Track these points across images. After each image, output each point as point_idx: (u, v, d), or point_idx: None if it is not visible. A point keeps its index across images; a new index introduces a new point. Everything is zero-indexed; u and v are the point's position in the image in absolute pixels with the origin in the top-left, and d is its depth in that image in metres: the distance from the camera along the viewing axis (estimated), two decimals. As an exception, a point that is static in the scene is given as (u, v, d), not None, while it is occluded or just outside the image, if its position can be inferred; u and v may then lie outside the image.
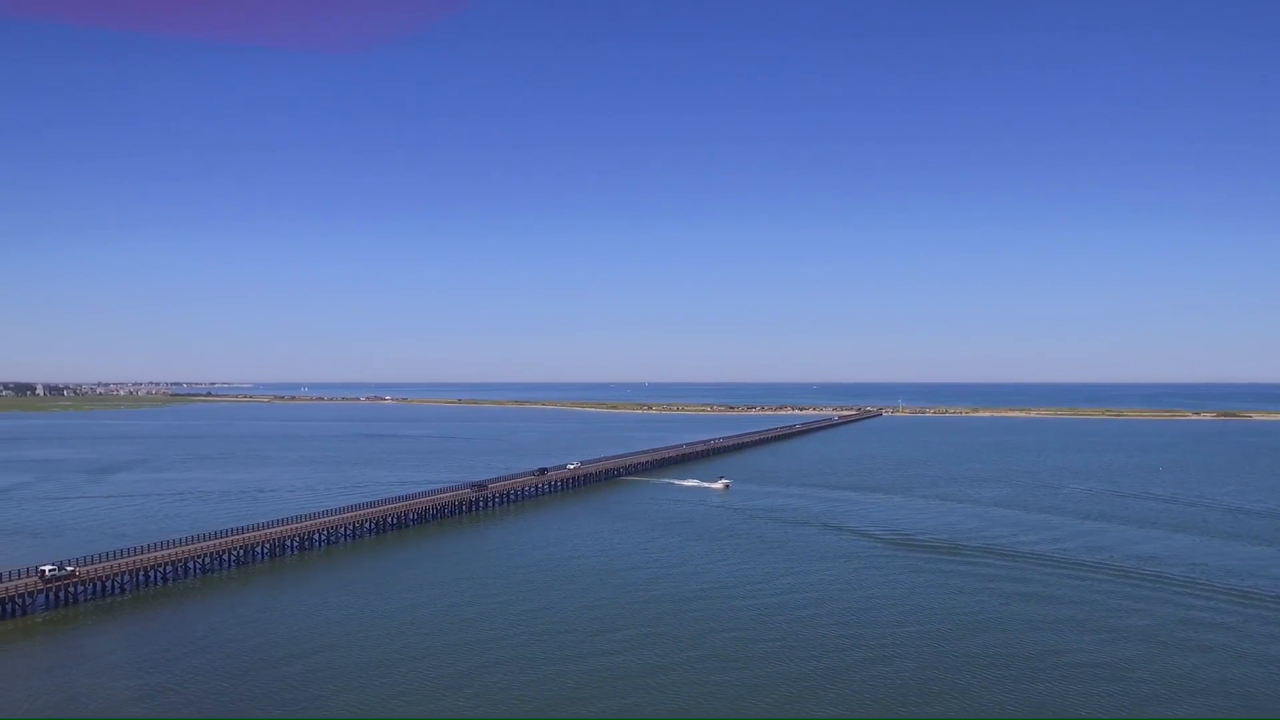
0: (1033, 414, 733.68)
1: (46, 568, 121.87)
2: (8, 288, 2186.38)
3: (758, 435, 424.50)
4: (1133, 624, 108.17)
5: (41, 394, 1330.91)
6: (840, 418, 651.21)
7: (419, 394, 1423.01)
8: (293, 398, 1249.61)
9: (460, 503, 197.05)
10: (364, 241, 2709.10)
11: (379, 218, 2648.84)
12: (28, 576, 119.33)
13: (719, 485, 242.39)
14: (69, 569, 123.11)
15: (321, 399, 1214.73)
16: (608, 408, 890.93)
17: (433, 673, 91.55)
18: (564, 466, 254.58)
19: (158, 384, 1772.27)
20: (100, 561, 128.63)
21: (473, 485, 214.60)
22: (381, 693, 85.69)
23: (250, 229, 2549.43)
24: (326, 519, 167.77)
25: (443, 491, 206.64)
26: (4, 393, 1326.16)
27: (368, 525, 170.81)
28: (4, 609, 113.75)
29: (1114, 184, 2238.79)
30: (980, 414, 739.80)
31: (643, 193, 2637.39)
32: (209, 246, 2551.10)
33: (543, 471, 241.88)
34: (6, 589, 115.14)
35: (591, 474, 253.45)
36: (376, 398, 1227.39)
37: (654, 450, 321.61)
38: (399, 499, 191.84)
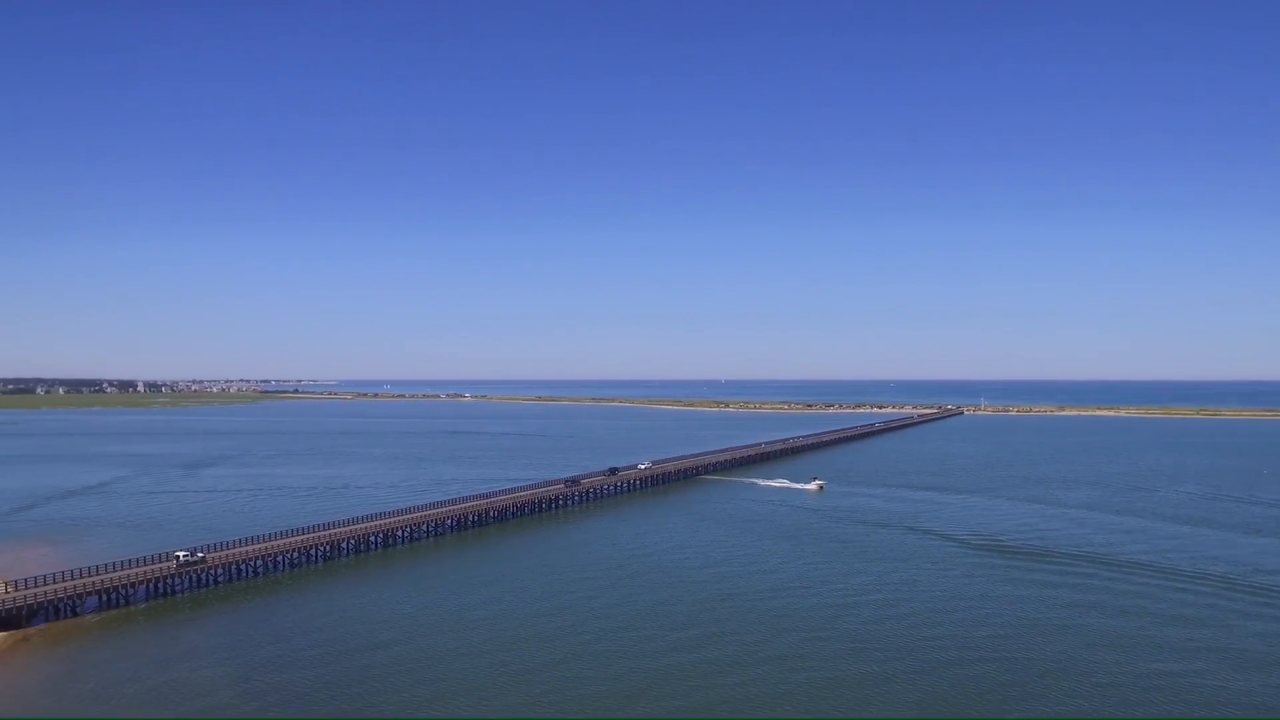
0: (1122, 413, 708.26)
1: (181, 553, 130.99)
2: (115, 294, 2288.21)
3: (838, 434, 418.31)
4: (1250, 646, 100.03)
5: (142, 391, 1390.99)
6: (920, 416, 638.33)
7: (497, 391, 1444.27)
8: (375, 395, 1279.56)
9: (541, 500, 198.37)
10: (449, 242, 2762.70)
11: (457, 216, 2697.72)
12: (164, 561, 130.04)
13: (812, 486, 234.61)
14: (199, 555, 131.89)
15: (402, 396, 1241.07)
16: (685, 405, 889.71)
17: (506, 666, 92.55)
18: (635, 466, 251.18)
19: (248, 381, 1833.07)
20: (228, 549, 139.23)
21: (566, 481, 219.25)
22: (454, 686, 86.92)
23: (335, 229, 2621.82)
24: (409, 516, 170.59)
25: (529, 488, 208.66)
26: (109, 389, 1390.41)
27: (449, 522, 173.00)
28: (147, 591, 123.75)
29: (1207, 181, 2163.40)
30: (1066, 413, 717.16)
31: (718, 188, 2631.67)
32: (297, 247, 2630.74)
33: (613, 471, 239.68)
34: (146, 573, 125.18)
35: (671, 472, 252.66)
36: (456, 395, 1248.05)
37: (734, 449, 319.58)
38: (480, 496, 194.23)
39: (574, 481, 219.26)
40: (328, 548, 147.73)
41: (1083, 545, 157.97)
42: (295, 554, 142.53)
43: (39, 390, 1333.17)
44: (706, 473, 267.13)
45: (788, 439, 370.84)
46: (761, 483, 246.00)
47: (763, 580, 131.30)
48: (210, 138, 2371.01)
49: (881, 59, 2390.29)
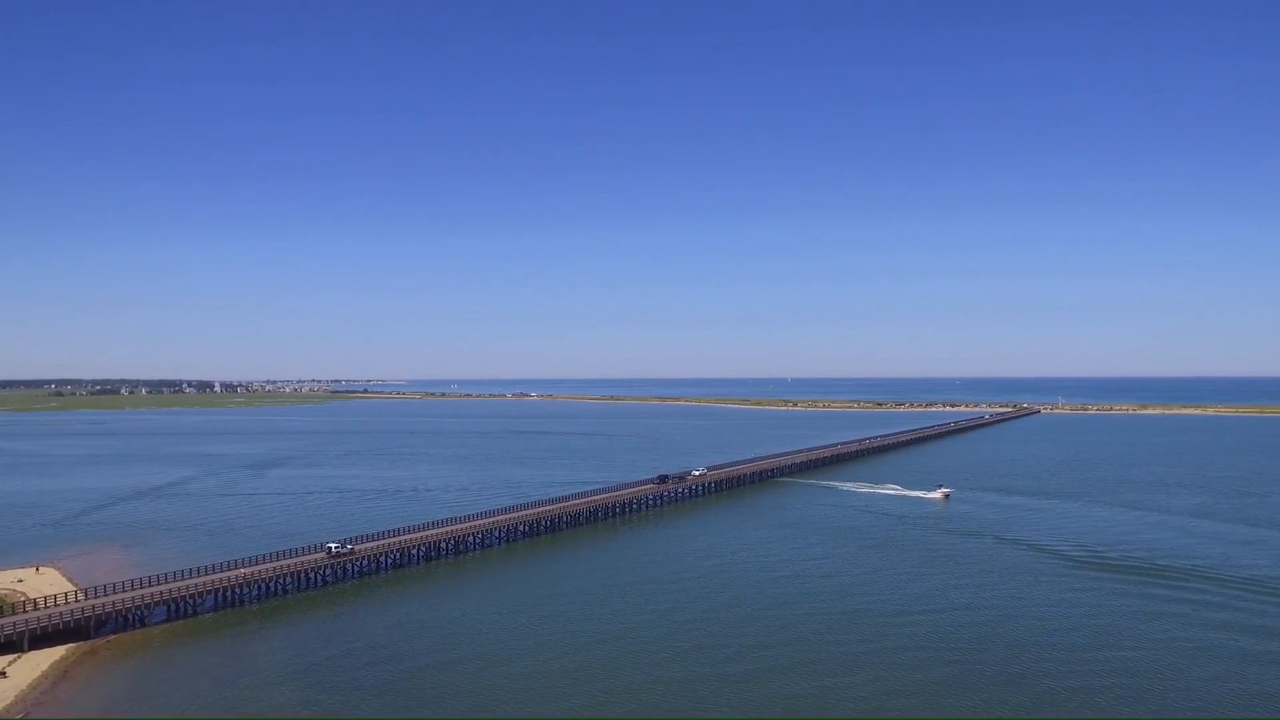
0: (1209, 411, 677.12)
1: (333, 545, 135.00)
2: (195, 298, 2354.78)
3: (914, 434, 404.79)
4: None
5: (219, 391, 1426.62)
6: (993, 415, 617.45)
7: (562, 390, 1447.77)
8: (442, 394, 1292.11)
9: (614, 504, 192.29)
10: (513, 241, 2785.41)
11: (519, 216, 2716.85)
12: (316, 553, 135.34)
13: (937, 495, 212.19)
14: (349, 547, 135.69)
15: (469, 396, 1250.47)
16: (752, 404, 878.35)
17: (582, 689, 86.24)
18: (689, 473, 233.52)
19: (319, 381, 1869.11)
20: (370, 541, 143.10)
21: (657, 479, 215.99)
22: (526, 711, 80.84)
23: (405, 230, 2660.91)
24: (480, 521, 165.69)
25: (601, 492, 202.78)
26: (188, 390, 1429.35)
27: (521, 528, 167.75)
28: (298, 582, 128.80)
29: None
30: (1149, 411, 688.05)
31: (777, 185, 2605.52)
32: (369, 248, 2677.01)
33: (663, 479, 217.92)
34: (298, 564, 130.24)
35: (746, 474, 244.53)
36: (522, 394, 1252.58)
37: (810, 450, 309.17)
38: (553, 501, 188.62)
39: (664, 479, 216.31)
40: (397, 554, 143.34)
41: (1195, 558, 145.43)
42: (365, 562, 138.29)
43: (123, 391, 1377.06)
44: (783, 475, 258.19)
45: (864, 439, 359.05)
46: (841, 485, 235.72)
47: (851, 596, 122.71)
48: (285, 139, 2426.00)
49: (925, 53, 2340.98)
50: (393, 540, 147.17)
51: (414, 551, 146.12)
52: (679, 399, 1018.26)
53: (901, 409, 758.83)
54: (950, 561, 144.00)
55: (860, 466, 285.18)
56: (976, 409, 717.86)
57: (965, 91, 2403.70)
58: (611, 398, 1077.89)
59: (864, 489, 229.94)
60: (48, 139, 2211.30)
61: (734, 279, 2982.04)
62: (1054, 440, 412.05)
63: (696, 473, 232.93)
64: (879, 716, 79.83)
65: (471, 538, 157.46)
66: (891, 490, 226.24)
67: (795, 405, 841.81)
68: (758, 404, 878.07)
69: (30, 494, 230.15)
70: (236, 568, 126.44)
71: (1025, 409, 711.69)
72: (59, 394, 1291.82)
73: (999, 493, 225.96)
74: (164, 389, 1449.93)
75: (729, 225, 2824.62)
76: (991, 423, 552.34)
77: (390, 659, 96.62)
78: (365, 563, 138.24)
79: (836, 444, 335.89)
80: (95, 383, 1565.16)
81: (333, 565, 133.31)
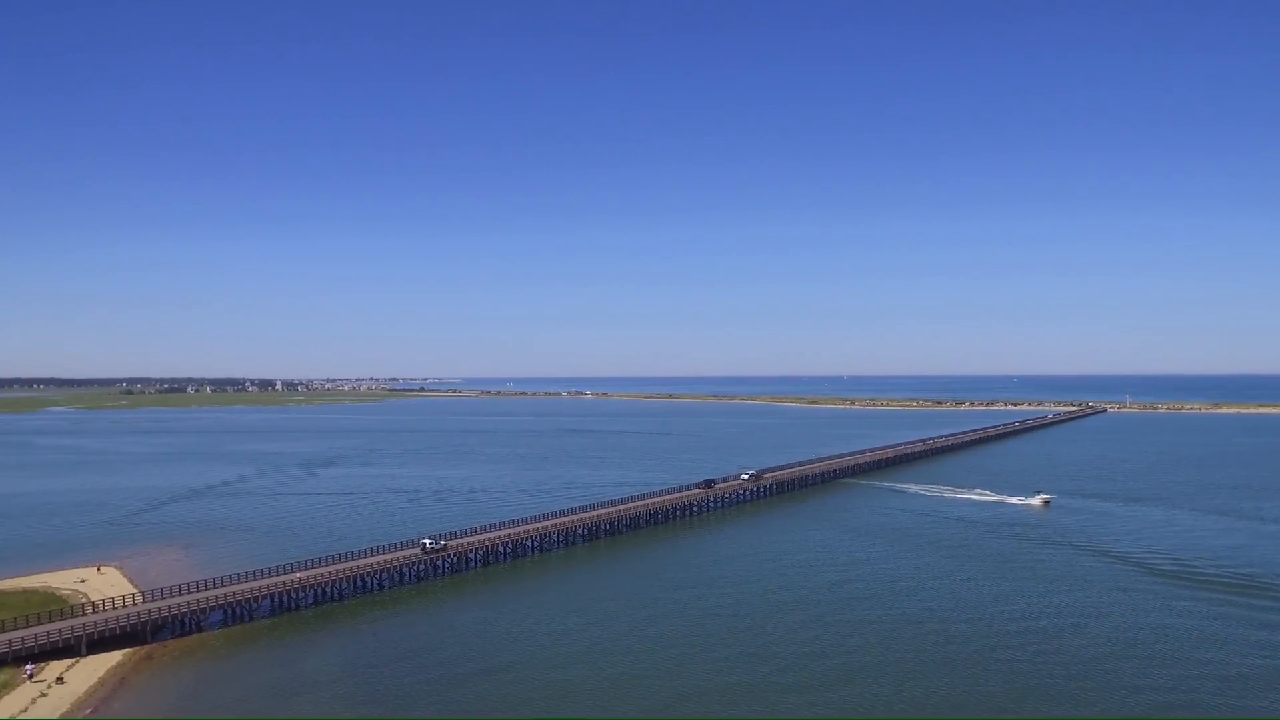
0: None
1: (426, 541, 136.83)
2: (258, 298, 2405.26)
3: (978, 434, 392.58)
4: None
5: (280, 389, 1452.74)
6: (1057, 414, 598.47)
7: (617, 388, 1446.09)
8: (498, 393, 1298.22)
9: (674, 507, 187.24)
10: (567, 240, 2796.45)
11: (570, 214, 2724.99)
12: (411, 548, 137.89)
13: (1036, 501, 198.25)
14: (442, 543, 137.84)
15: (524, 394, 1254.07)
16: (807, 402, 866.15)
17: (635, 699, 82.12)
18: (737, 476, 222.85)
19: (377, 380, 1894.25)
20: (463, 537, 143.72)
21: (701, 484, 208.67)
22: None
23: (457, 229, 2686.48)
24: (538, 524, 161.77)
25: (661, 494, 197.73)
26: (251, 388, 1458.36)
27: (580, 531, 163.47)
28: (417, 572, 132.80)
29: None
30: (1223, 410, 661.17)
31: (833, 182, 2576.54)
32: (425, 249, 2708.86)
33: (709, 484, 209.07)
34: (402, 558, 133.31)
35: (809, 475, 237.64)
36: (577, 393, 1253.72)
37: (874, 450, 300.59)
38: (612, 503, 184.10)
39: (709, 484, 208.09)
40: (455, 559, 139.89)
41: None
42: (421, 566, 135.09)
43: (189, 389, 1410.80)
44: (845, 476, 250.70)
45: (927, 439, 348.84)
46: (908, 488, 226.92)
47: (916, 603, 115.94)
48: (336, 141, 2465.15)
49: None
50: (452, 545, 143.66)
51: (471, 557, 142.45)
52: (733, 397, 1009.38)
53: (962, 408, 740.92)
54: (1070, 580, 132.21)
55: (929, 467, 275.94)
56: (1040, 408, 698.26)
57: (1012, 86, 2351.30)
58: (666, 396, 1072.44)
59: (946, 493, 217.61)
60: (113, 142, 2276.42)
61: (788, 276, 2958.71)
62: (1128, 441, 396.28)
63: (745, 476, 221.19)
64: (878, 717, 78.44)
65: (530, 541, 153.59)
66: (981, 496, 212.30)
67: (852, 403, 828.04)
68: (813, 402, 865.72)
69: (97, 491, 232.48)
70: (292, 571, 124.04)
71: (1091, 408, 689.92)
72: (129, 392, 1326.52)
73: (1096, 498, 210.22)
74: (228, 387, 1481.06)
75: (782, 222, 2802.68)
76: (1056, 422, 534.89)
77: (441, 663, 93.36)
78: (423, 567, 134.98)
79: (900, 444, 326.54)
80: (163, 381, 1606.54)
81: (389, 570, 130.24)
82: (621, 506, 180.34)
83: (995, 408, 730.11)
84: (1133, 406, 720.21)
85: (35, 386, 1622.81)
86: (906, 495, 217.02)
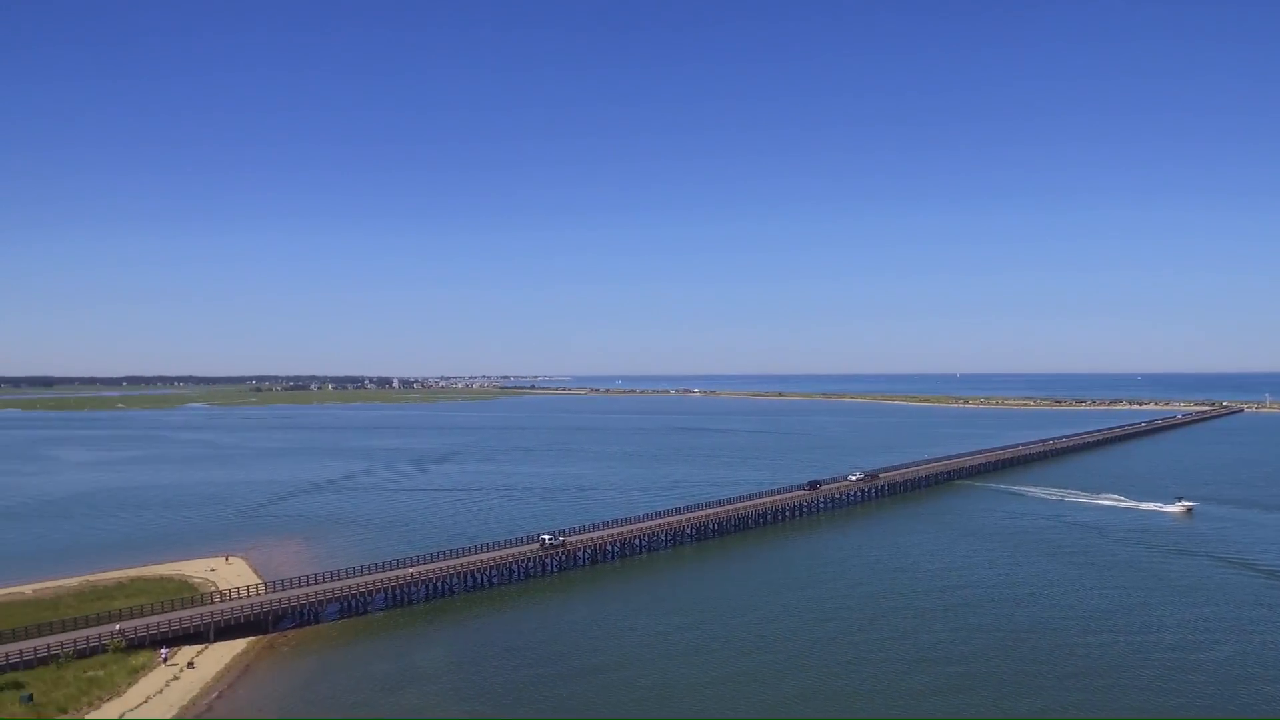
0: None
1: (546, 536, 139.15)
2: (374, 297, 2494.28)
3: (1100, 434, 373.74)
4: None
5: (396, 387, 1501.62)
6: (1186, 414, 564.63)
7: (725, 386, 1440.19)
8: (606, 390, 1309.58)
9: (783, 507, 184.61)
10: (677, 232, 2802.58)
11: (674, 208, 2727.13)
12: (530, 544, 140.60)
13: (1177, 509, 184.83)
14: (561, 539, 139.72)
15: (633, 392, 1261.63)
16: (919, 401, 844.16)
17: (739, 702, 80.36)
18: (844, 478, 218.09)
19: (489, 378, 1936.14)
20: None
21: (807, 485, 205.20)
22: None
23: (571, 223, 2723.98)
24: (646, 524, 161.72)
25: (769, 494, 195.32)
26: (369, 386, 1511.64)
27: (689, 531, 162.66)
28: (526, 569, 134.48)
29: None
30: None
31: (949, 172, 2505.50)
32: (530, 247, 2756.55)
33: (814, 485, 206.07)
34: (513, 555, 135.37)
35: (922, 476, 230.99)
36: (685, 390, 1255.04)
37: (990, 450, 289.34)
38: (720, 503, 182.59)
39: (815, 485, 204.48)
40: (563, 557, 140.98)
41: None
42: (530, 563, 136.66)
43: (313, 387, 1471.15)
44: (961, 477, 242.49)
45: (1047, 439, 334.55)
46: (1028, 491, 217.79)
47: (1027, 610, 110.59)
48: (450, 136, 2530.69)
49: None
50: (570, 541, 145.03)
51: (579, 555, 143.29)
52: (843, 395, 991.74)
53: (1082, 407, 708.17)
54: (1206, 592, 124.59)
55: (1049, 470, 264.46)
56: (1168, 407, 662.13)
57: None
58: (774, 394, 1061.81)
59: (1069, 497, 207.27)
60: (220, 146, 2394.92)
61: (895, 271, 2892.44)
62: (1271, 443, 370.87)
63: (853, 477, 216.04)
64: (900, 716, 77.69)
65: (638, 540, 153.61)
66: (1110, 501, 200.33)
67: (966, 402, 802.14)
68: (926, 401, 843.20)
69: (226, 484, 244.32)
70: (406, 566, 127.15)
71: (1226, 407, 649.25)
72: (258, 389, 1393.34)
73: (1237, 505, 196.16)
74: (348, 385, 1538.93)
75: (891, 214, 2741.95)
76: (1186, 422, 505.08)
77: (545, 660, 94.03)
78: (531, 565, 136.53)
79: (1017, 444, 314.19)
80: (289, 379, 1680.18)
81: (498, 566, 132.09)
82: (729, 507, 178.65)
83: (1119, 407, 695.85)
84: (1273, 406, 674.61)
85: (176, 384, 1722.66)
86: (1026, 499, 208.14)
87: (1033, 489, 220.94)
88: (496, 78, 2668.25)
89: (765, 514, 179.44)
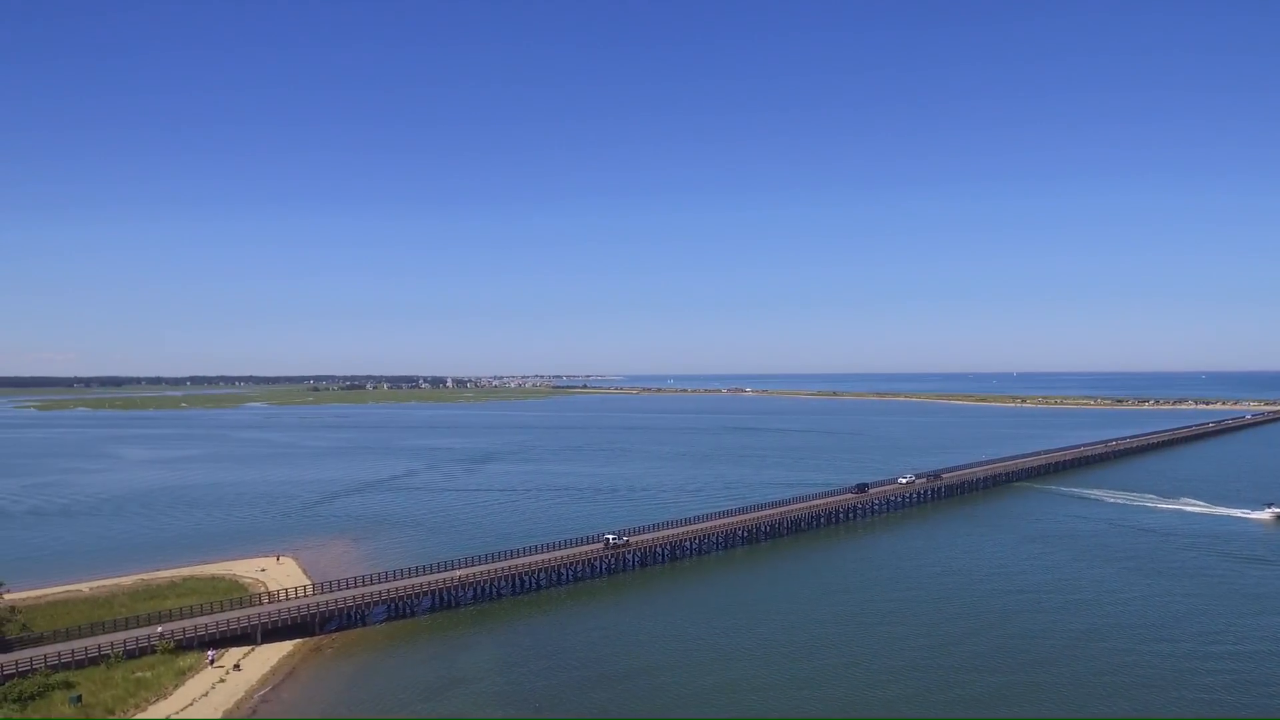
0: None
1: (610, 536, 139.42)
2: (427, 298, 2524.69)
3: (1165, 435, 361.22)
4: None
5: (450, 386, 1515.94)
6: (1257, 414, 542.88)
7: (776, 385, 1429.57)
8: (659, 389, 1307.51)
9: (837, 510, 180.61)
10: (728, 217, 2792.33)
11: (737, 191, 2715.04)
12: (594, 543, 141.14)
13: (1266, 515, 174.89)
14: (624, 539, 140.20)
15: (685, 391, 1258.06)
16: (976, 400, 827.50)
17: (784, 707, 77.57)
18: (895, 480, 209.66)
19: (542, 377, 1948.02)
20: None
21: (856, 488, 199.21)
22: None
23: (620, 219, 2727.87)
24: (697, 526, 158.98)
25: (822, 497, 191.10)
26: (424, 385, 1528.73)
27: (740, 533, 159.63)
28: (574, 572, 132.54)
29: None
30: None
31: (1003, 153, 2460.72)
32: (584, 248, 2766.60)
33: (862, 488, 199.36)
34: (577, 555, 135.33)
35: (980, 478, 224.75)
36: (737, 389, 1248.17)
37: (1051, 451, 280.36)
38: (772, 505, 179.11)
39: (862, 488, 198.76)
40: (612, 560, 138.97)
41: None
42: (580, 566, 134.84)
43: (368, 386, 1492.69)
44: (1021, 479, 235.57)
45: (1110, 440, 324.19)
46: (1091, 494, 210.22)
47: (1085, 617, 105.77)
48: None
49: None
50: (634, 541, 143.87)
51: (628, 558, 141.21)
52: (898, 395, 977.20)
53: (1145, 406, 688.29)
54: (1228, 587, 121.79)
55: (1113, 472, 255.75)
56: (1236, 407, 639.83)
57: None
58: (828, 393, 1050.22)
59: (1135, 501, 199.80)
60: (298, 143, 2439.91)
61: (948, 262, 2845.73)
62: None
63: (904, 480, 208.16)
64: (884, 717, 77.44)
65: (689, 543, 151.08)
66: (1190, 506, 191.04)
67: (1024, 401, 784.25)
68: (982, 400, 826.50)
69: (280, 483, 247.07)
70: (453, 568, 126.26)
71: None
72: (315, 389, 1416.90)
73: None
74: (402, 384, 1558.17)
75: (951, 201, 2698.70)
76: (1258, 423, 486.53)
77: (590, 663, 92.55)
78: (580, 568, 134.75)
79: (1080, 445, 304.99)
80: (345, 378, 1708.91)
81: (545, 570, 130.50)
82: (782, 509, 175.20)
83: (1184, 407, 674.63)
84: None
85: (237, 384, 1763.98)
86: (1090, 501, 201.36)
87: (1095, 491, 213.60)
88: (532, 64, 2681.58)
89: (819, 516, 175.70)
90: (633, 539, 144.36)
